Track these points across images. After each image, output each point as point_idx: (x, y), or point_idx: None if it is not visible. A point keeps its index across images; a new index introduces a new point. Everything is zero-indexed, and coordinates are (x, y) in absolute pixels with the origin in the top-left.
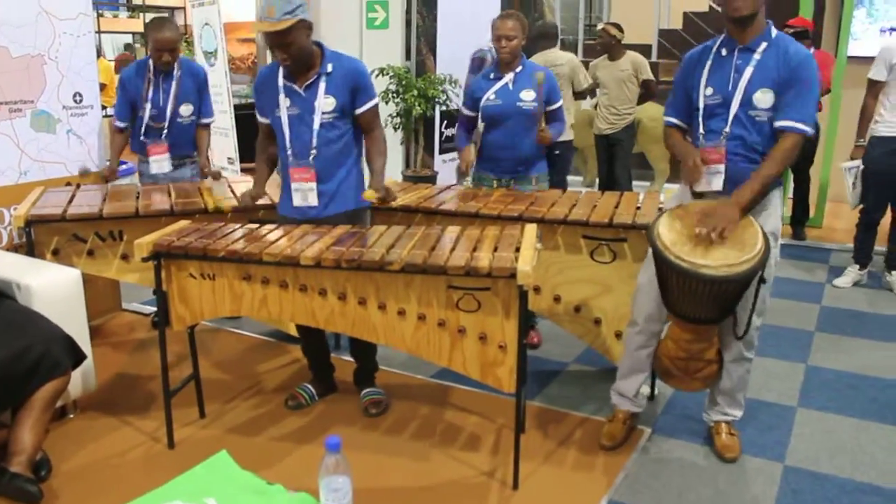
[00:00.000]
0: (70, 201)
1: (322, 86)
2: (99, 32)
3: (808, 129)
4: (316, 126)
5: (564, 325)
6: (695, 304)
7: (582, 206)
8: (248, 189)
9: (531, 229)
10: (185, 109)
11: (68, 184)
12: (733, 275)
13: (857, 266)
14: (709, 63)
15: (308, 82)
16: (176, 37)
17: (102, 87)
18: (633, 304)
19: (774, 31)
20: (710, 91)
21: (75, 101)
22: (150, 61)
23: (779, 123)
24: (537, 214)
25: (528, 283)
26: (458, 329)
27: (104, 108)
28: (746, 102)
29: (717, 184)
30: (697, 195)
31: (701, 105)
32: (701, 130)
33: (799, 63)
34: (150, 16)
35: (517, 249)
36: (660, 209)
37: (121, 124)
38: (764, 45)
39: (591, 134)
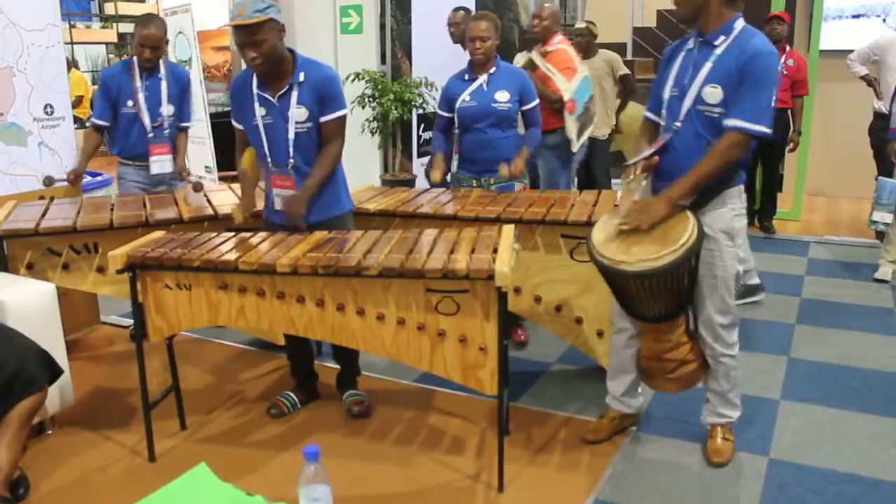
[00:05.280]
0: (43, 215)
1: (294, 95)
2: (72, 43)
3: (754, 128)
4: (291, 136)
5: (546, 326)
6: (634, 302)
7: (560, 205)
8: (240, 202)
9: (508, 230)
10: (168, 110)
11: (41, 197)
12: (650, 269)
13: None
14: (680, 57)
15: (280, 92)
16: (160, 34)
17: (80, 99)
18: (611, 304)
19: (739, 25)
20: (671, 84)
21: (46, 113)
22: (136, 60)
23: (727, 123)
24: (515, 215)
25: (507, 284)
26: (437, 332)
27: (79, 120)
28: (698, 98)
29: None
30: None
31: (665, 97)
32: (662, 123)
33: (751, 56)
34: (123, 26)
35: (495, 251)
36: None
37: (101, 123)
38: (722, 38)
39: None
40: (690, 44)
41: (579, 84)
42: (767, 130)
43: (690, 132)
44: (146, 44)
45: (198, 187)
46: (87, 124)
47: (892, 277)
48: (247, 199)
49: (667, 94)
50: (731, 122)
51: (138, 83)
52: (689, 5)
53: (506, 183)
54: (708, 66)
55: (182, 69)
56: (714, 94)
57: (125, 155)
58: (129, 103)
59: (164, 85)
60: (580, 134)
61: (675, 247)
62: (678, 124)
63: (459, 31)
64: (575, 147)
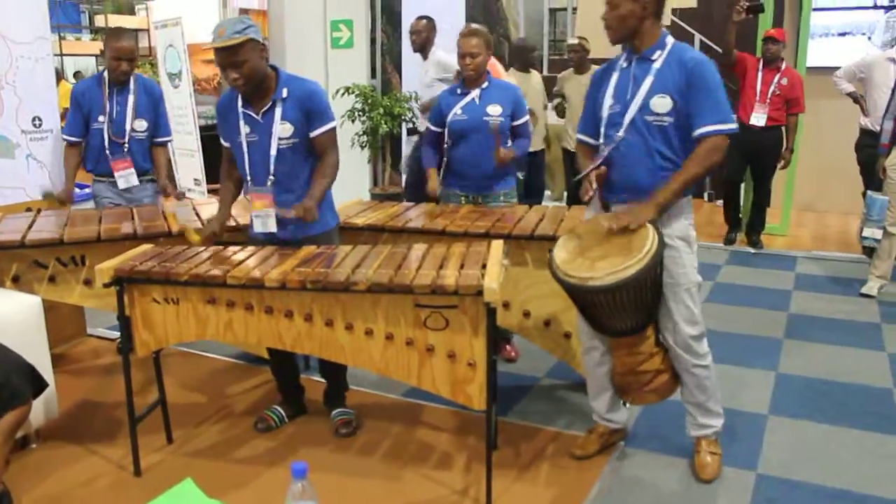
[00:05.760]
0: (30, 227)
1: (278, 112)
2: (62, 55)
3: (727, 127)
4: (273, 152)
5: (535, 340)
6: (603, 317)
7: (549, 220)
8: (213, 216)
9: (498, 245)
10: (139, 125)
11: (28, 209)
12: (619, 281)
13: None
14: (614, 76)
15: (264, 109)
16: (133, 46)
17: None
18: (579, 324)
19: (671, 40)
20: (611, 101)
21: (34, 126)
22: (106, 74)
23: (698, 132)
24: (504, 230)
25: (495, 300)
26: (426, 347)
27: None
28: (644, 108)
29: None
30: (606, 208)
31: (604, 115)
32: (601, 140)
33: (695, 66)
34: None
35: (484, 266)
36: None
37: (73, 139)
38: (658, 52)
39: (559, 148)
40: (623, 63)
41: None
42: (736, 126)
43: (637, 143)
44: (123, 56)
45: (180, 196)
46: (67, 140)
47: (878, 293)
48: (220, 213)
49: (605, 111)
50: (703, 130)
51: (107, 98)
52: (624, 27)
53: (492, 201)
54: (650, 79)
55: (153, 83)
56: (663, 104)
57: (99, 172)
58: (101, 119)
59: (132, 99)
60: None
61: (640, 255)
62: (621, 134)
63: (420, 39)
64: None
